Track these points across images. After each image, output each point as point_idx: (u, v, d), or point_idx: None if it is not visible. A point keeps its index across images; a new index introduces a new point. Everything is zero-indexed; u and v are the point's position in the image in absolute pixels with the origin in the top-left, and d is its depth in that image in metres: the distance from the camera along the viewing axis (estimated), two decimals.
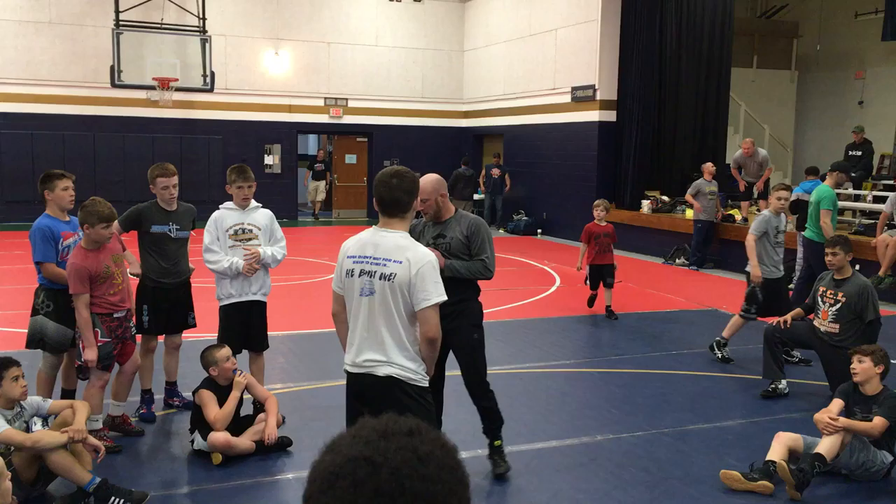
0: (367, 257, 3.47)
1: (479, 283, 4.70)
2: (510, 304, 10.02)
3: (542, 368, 7.10)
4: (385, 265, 3.41)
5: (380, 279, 3.42)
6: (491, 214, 18.79)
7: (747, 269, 7.61)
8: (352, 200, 21.05)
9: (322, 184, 20.44)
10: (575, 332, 8.73)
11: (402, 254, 3.41)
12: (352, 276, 3.50)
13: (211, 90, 17.78)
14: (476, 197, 19.62)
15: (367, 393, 3.53)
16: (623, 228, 15.59)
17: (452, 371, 4.79)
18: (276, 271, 7.17)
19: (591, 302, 9.50)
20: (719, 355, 7.50)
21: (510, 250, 14.94)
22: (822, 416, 4.77)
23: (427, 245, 4.44)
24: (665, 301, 10.47)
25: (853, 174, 14.12)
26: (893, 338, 8.15)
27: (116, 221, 5.01)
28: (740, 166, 13.53)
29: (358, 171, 21.12)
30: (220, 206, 5.50)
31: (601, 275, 9.22)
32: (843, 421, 4.69)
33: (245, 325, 5.47)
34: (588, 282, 9.39)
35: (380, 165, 20.72)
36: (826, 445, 4.64)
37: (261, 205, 5.59)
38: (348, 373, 3.59)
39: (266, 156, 19.49)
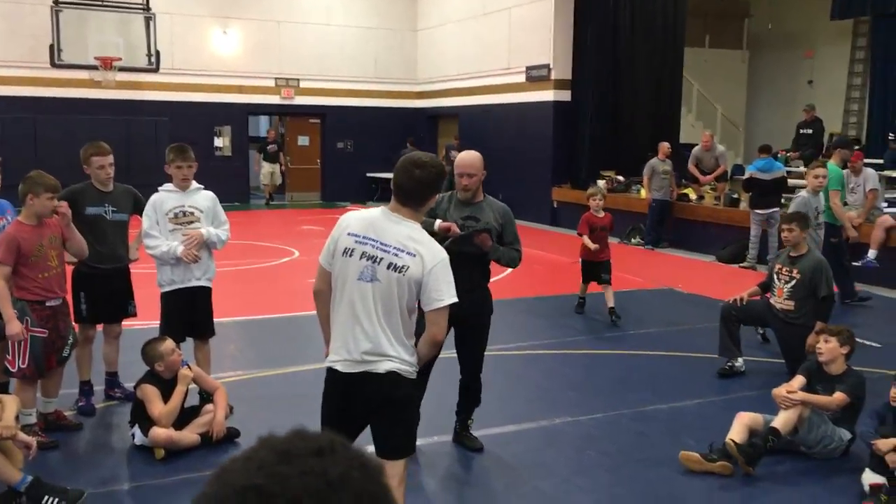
0: (372, 240, 3.18)
1: None
2: None
3: (498, 351, 6.95)
4: (397, 255, 3.14)
5: (388, 268, 3.14)
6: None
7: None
8: (305, 183, 20.68)
9: (276, 166, 19.43)
10: (531, 313, 8.63)
11: (416, 247, 3.15)
12: (350, 255, 3.19)
13: (156, 70, 17.25)
14: None
15: (360, 392, 3.22)
16: (578, 208, 15.54)
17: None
18: (225, 256, 6.90)
19: (580, 306, 8.43)
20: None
21: None
22: (780, 390, 4.73)
23: (455, 223, 4.44)
24: (621, 281, 10.40)
25: (805, 152, 14.27)
26: (846, 315, 8.22)
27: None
28: (698, 160, 13.58)
29: (311, 154, 20.75)
30: (160, 188, 5.23)
31: (595, 272, 8.19)
32: (800, 394, 4.66)
33: (189, 312, 5.23)
34: (583, 279, 8.34)
35: (333, 147, 20.40)
36: (781, 419, 4.60)
37: (203, 186, 5.34)
38: (337, 372, 3.21)
39: (216, 138, 19.02)
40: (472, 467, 4.60)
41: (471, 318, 4.43)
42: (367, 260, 3.16)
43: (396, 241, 3.16)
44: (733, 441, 4.49)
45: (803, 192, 7.47)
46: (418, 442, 4.67)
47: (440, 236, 4.22)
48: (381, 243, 3.17)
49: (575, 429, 5.18)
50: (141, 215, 5.22)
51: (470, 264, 4.37)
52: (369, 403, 3.23)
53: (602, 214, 8.31)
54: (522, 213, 17.00)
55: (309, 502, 0.71)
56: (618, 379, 6.25)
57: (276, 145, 19.54)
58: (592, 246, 8.08)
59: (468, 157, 4.59)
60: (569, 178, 16.02)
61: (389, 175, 15.92)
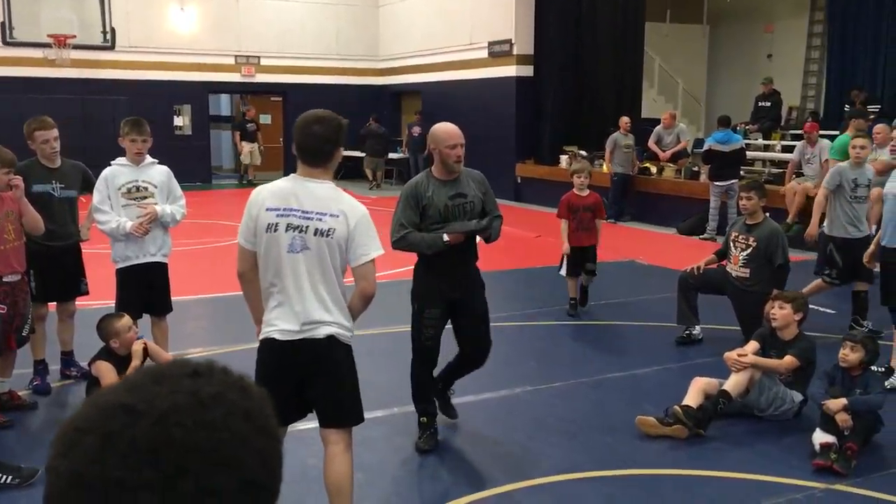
0: (293, 210, 3.15)
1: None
2: None
3: None
4: (321, 220, 3.13)
5: (315, 234, 3.13)
6: (414, 172, 18.59)
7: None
8: (268, 162, 20.44)
9: (255, 146, 19.04)
10: (492, 286, 8.62)
11: (337, 206, 3.15)
12: (274, 230, 3.15)
13: (112, 48, 16.90)
14: (394, 156, 19.37)
15: (300, 360, 3.21)
16: (541, 183, 15.61)
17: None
18: (187, 234, 6.80)
19: (573, 307, 7.32)
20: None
21: None
22: (731, 354, 4.82)
23: (445, 206, 4.22)
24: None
25: (763, 124, 14.43)
26: (801, 283, 8.36)
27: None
28: (659, 138, 13.68)
29: (273, 132, 20.51)
30: (112, 162, 5.14)
31: (581, 259, 7.20)
32: (750, 358, 4.75)
33: (145, 289, 5.15)
34: (564, 268, 7.26)
35: (236, 124, 20.16)
36: (732, 382, 4.69)
37: (157, 161, 5.24)
38: (275, 340, 3.19)
39: (175, 117, 18.72)
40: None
41: (468, 299, 4.39)
42: (294, 231, 3.14)
43: (318, 206, 3.14)
44: (682, 407, 4.57)
45: (841, 164, 6.92)
46: (379, 413, 4.72)
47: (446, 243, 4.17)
48: (303, 211, 3.14)
49: (535, 398, 5.23)
50: (91, 192, 5.12)
51: (465, 248, 4.31)
52: (309, 369, 3.21)
53: (586, 193, 7.36)
54: None
55: (176, 418, 0.68)
56: (578, 349, 6.32)
57: (255, 124, 19.12)
58: (564, 246, 7.14)
59: (455, 128, 4.33)
60: (532, 154, 16.05)
61: (353, 153, 15.76)
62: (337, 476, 3.23)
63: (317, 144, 3.16)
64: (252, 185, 18.56)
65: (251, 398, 0.74)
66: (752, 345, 4.95)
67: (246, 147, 18.97)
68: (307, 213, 3.14)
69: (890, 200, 5.65)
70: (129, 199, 5.02)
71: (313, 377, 3.22)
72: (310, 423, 4.75)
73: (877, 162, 9.37)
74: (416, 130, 18.15)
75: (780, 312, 4.92)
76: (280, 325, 3.19)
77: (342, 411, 3.27)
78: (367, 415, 4.83)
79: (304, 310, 3.16)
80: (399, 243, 4.27)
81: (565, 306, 7.47)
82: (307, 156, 3.18)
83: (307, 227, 3.13)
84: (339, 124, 3.23)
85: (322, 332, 3.17)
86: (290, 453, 4.06)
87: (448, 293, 4.31)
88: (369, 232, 3.19)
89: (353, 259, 3.19)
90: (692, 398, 4.69)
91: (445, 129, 4.32)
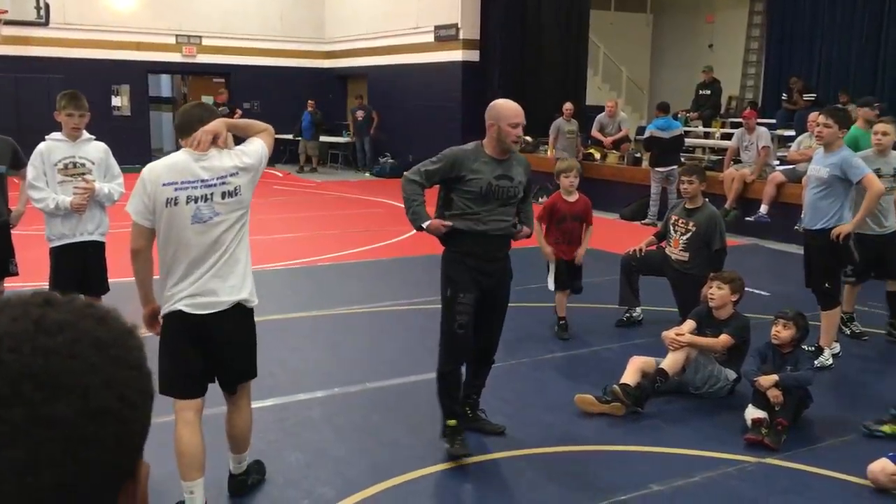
0: (191, 182, 3.19)
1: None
2: (374, 244, 9.84)
3: (405, 306, 6.99)
4: (225, 182, 3.23)
5: (224, 198, 3.22)
6: (361, 157, 18.46)
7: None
8: None
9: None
10: (439, 269, 8.65)
11: (240, 161, 3.28)
12: (175, 204, 3.18)
13: (46, 24, 16.35)
14: (340, 140, 19.20)
15: (211, 331, 3.24)
16: None
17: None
18: (125, 215, 6.64)
19: (564, 329, 6.22)
20: (847, 332, 6.35)
21: (377, 193, 14.72)
22: (668, 332, 4.91)
23: (488, 185, 3.98)
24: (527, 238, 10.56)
25: (704, 112, 14.69)
26: (737, 267, 8.55)
27: None
28: (602, 126, 13.82)
29: None
30: (47, 136, 4.96)
31: (568, 273, 6.23)
32: (687, 337, 4.85)
33: (81, 268, 5.00)
34: (551, 281, 6.20)
35: (239, 108, 19.81)
36: (669, 361, 4.78)
37: (94, 137, 5.08)
38: (184, 313, 3.20)
39: (114, 97, 18.23)
40: (371, 418, 4.60)
41: (497, 289, 4.21)
42: (198, 202, 3.19)
43: (219, 171, 3.23)
44: (620, 385, 4.64)
45: (865, 152, 6.38)
46: (320, 393, 4.68)
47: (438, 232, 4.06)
48: (203, 180, 3.20)
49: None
50: (19, 169, 4.94)
51: (500, 237, 4.16)
52: (221, 338, 3.28)
53: (574, 198, 6.36)
54: None
55: (10, 343, 0.64)
56: (520, 331, 6.34)
57: (227, 107, 18.04)
58: (546, 252, 6.19)
59: (518, 106, 4.07)
60: (478, 139, 16.04)
61: (299, 137, 15.46)
62: (246, 424, 3.55)
63: (191, 122, 3.31)
64: None
65: (108, 328, 0.69)
66: (689, 324, 5.05)
67: None
68: (207, 181, 3.21)
69: (810, 182, 5.78)
70: (66, 175, 4.85)
71: (224, 345, 3.32)
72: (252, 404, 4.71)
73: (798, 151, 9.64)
74: (360, 114, 18.03)
75: (718, 293, 5.02)
76: (188, 297, 3.22)
77: (245, 372, 3.46)
78: (307, 395, 4.87)
79: (210, 280, 3.23)
80: (406, 185, 4.19)
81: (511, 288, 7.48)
82: (184, 132, 3.32)
83: (212, 193, 3.21)
84: (212, 110, 3.52)
85: (231, 299, 3.27)
86: None
87: (482, 280, 4.09)
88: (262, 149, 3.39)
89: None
90: (630, 376, 4.76)
91: (508, 106, 4.08)
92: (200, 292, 3.22)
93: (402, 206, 4.26)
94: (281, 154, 19.69)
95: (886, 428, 4.37)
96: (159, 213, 3.20)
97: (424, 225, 4.10)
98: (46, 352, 0.64)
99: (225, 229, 3.24)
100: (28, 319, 0.66)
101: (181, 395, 3.26)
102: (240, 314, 3.30)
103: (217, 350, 3.31)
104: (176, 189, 3.18)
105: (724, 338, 4.86)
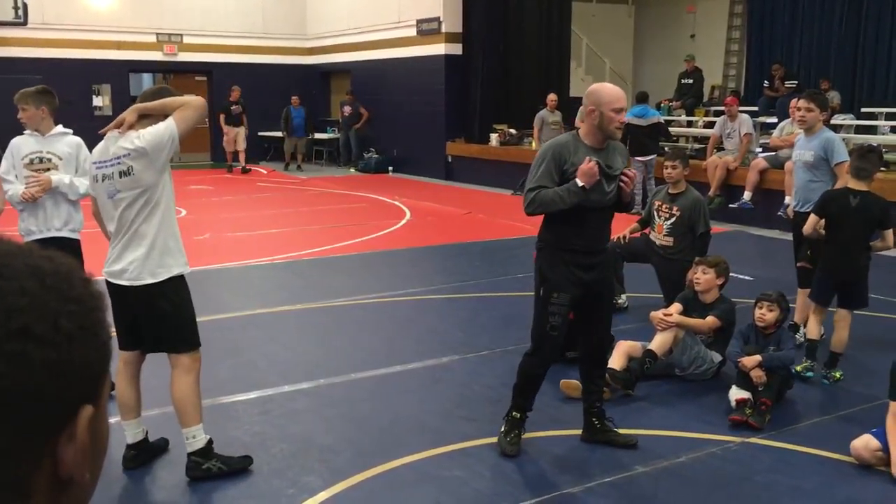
0: (103, 161, 3.54)
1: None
2: (359, 238, 9.82)
3: (389, 298, 6.97)
4: (119, 162, 3.49)
5: (120, 177, 3.49)
6: (346, 152, 18.40)
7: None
8: (193, 143, 19.93)
9: (241, 130, 17.11)
10: (424, 262, 8.66)
11: (133, 144, 3.45)
12: (98, 181, 3.58)
13: (25, 24, 16.18)
14: (323, 136, 19.14)
15: (130, 301, 3.56)
16: (472, 162, 15.64)
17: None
18: None
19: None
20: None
21: (362, 188, 14.69)
22: (657, 313, 4.92)
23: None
24: (512, 229, 10.57)
25: (686, 101, 14.72)
26: (721, 253, 8.58)
27: None
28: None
29: None
30: (25, 131, 4.90)
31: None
32: (675, 317, 4.86)
33: None
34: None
35: (221, 106, 19.69)
36: (657, 342, 4.79)
37: (70, 131, 5.01)
38: (108, 282, 3.58)
39: (95, 97, 18.10)
40: (357, 408, 4.58)
41: (601, 279, 3.91)
42: (105, 180, 3.54)
43: (115, 152, 3.49)
44: (611, 370, 4.64)
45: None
46: (306, 385, 4.65)
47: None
48: (103, 161, 3.54)
49: (461, 366, 5.24)
50: None
51: (600, 219, 3.83)
52: (133, 307, 3.58)
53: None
54: (417, 169, 17.01)
55: None
56: (506, 319, 6.35)
57: (240, 106, 17.24)
58: None
59: (620, 90, 3.82)
60: (462, 133, 16.06)
61: (281, 133, 15.30)
62: (177, 395, 3.67)
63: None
64: (245, 172, 17.06)
65: (52, 262, 0.67)
66: (676, 306, 5.06)
67: (231, 131, 17.08)
68: (106, 162, 3.53)
69: (797, 167, 5.81)
70: (31, 170, 4.78)
71: (137, 314, 3.62)
72: (235, 397, 4.69)
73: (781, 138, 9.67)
74: (347, 110, 17.97)
75: (703, 277, 5.04)
76: (111, 267, 3.58)
77: (176, 341, 3.65)
78: (292, 387, 4.84)
79: (121, 252, 3.54)
80: (530, 206, 3.77)
81: (492, 279, 7.47)
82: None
83: (112, 173, 3.51)
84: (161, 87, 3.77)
85: (131, 274, 3.51)
86: (214, 425, 3.99)
87: (582, 275, 3.80)
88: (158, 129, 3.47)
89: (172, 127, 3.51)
90: (617, 361, 4.77)
91: (611, 91, 3.80)
92: (114, 261, 3.57)
93: (531, 209, 3.83)
94: (265, 151, 19.61)
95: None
96: (94, 188, 3.66)
97: (579, 183, 3.67)
98: None
99: (126, 206, 3.51)
100: None
101: (119, 344, 3.71)
102: (143, 290, 3.53)
103: (133, 316, 3.63)
104: (97, 167, 3.58)
105: (711, 319, 4.88)
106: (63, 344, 0.64)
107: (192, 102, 3.55)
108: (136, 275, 3.52)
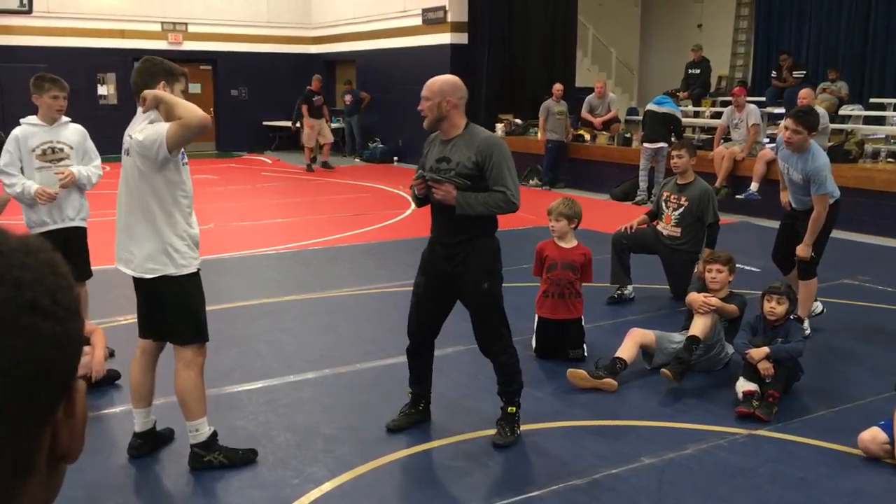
0: (128, 137, 3.56)
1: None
2: (365, 227, 9.80)
3: (394, 287, 6.95)
4: (129, 138, 3.50)
5: (126, 154, 3.53)
6: (350, 142, 18.35)
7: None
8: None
9: (324, 122, 15.87)
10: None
11: (139, 128, 3.46)
12: (123, 154, 3.60)
13: (29, 12, 16.16)
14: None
15: (138, 287, 3.63)
16: None
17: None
18: (109, 203, 6.61)
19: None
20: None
21: (366, 178, 14.66)
22: (696, 296, 4.88)
23: (429, 171, 3.75)
24: (516, 219, 10.48)
25: (693, 91, 14.64)
26: (728, 244, 8.55)
27: None
28: (591, 107, 13.77)
29: (203, 102, 19.93)
30: (22, 120, 4.88)
31: (556, 337, 5.12)
32: (716, 301, 4.83)
33: (63, 254, 4.93)
34: (534, 347, 5.19)
35: (227, 95, 19.69)
36: (699, 326, 4.75)
37: (70, 119, 5.01)
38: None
39: (100, 86, 18.08)
40: (362, 398, 4.57)
41: (462, 277, 3.83)
42: (125, 155, 3.57)
43: (129, 130, 3.52)
44: (667, 370, 4.59)
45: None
46: (311, 375, 4.65)
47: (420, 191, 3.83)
48: (127, 134, 3.54)
49: (465, 357, 5.21)
50: None
51: (456, 218, 3.75)
52: (144, 297, 3.64)
53: (572, 244, 5.31)
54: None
55: None
56: (512, 309, 6.29)
57: (322, 97, 16.00)
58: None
59: (429, 80, 3.79)
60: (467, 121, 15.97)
61: (287, 123, 15.25)
62: (179, 388, 3.66)
63: (134, 89, 3.57)
64: (328, 167, 15.96)
65: (37, 239, 0.67)
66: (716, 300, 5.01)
67: (315, 125, 15.68)
68: (128, 136, 3.53)
69: (786, 177, 5.77)
70: (45, 161, 4.78)
71: (145, 305, 3.67)
72: (241, 386, 4.68)
73: None
74: (348, 98, 17.91)
75: (719, 276, 5.02)
76: (119, 254, 3.61)
77: (172, 334, 3.65)
78: (297, 377, 4.83)
79: (127, 241, 3.54)
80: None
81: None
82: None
83: (127, 149, 3.52)
84: (151, 63, 3.60)
85: (140, 268, 3.52)
86: (219, 414, 3.98)
87: (440, 263, 3.88)
88: (157, 129, 3.40)
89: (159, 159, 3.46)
90: (626, 351, 4.74)
91: (456, 81, 3.87)
92: (121, 248, 3.60)
93: (505, 205, 3.82)
94: (270, 141, 19.58)
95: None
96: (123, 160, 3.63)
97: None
98: None
99: (124, 191, 3.54)
100: None
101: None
102: (142, 281, 3.55)
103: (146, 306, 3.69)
104: (125, 142, 3.59)
105: (733, 307, 4.90)
106: (64, 318, 0.64)
107: (192, 120, 3.32)
108: (135, 266, 3.54)
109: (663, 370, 4.59)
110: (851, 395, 4.60)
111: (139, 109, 3.52)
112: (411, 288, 4.29)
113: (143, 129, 3.42)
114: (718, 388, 4.66)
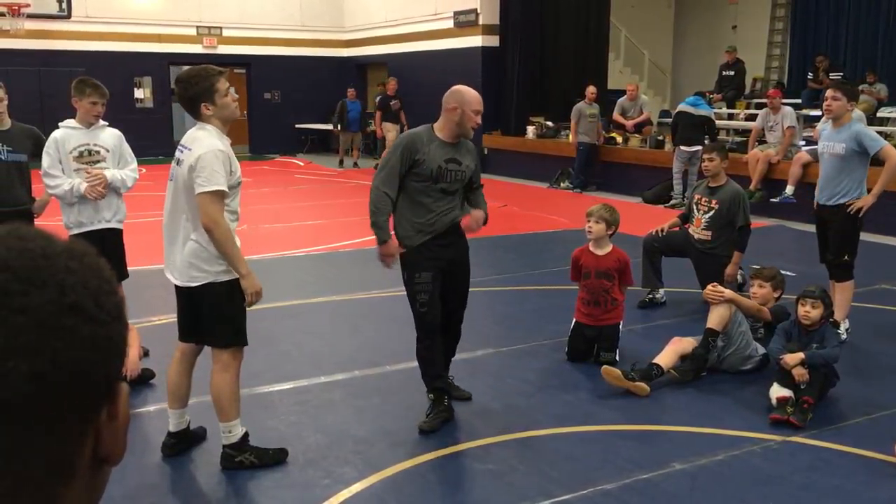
0: (181, 145, 3.65)
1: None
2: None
3: None
4: (181, 151, 3.57)
5: (177, 164, 3.58)
6: (382, 142, 18.39)
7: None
8: (232, 135, 20.03)
9: (398, 127, 15.07)
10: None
11: (192, 142, 3.52)
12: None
13: (68, 17, 16.47)
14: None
15: (180, 294, 3.70)
16: (508, 154, 15.57)
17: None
18: (142, 207, 6.69)
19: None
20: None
21: None
22: (710, 287, 4.87)
23: (438, 167, 4.02)
24: (548, 222, 10.52)
25: (727, 93, 14.47)
26: (762, 247, 8.44)
27: None
28: (623, 110, 13.69)
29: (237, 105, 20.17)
30: (60, 124, 4.98)
31: (588, 344, 5.09)
32: (728, 292, 4.79)
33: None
34: (566, 350, 5.16)
35: (260, 98, 19.88)
36: (715, 318, 4.72)
37: (107, 123, 5.09)
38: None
39: (136, 89, 18.36)
40: (391, 400, 4.58)
41: (460, 256, 4.24)
42: (175, 163, 3.63)
43: (183, 141, 3.61)
44: (672, 370, 4.57)
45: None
46: (340, 376, 4.68)
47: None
48: (181, 146, 3.61)
49: (496, 359, 5.22)
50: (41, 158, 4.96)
51: (448, 203, 4.14)
52: (180, 301, 3.74)
53: (606, 251, 5.18)
54: None
55: None
56: (541, 313, 6.31)
57: (398, 101, 15.58)
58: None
59: (476, 93, 4.17)
60: (498, 125, 15.98)
61: (319, 126, 15.34)
62: (213, 389, 3.71)
63: (181, 103, 3.64)
64: (357, 167, 16.08)
65: (80, 244, 0.68)
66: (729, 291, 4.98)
67: (392, 129, 15.13)
68: (179, 147, 3.62)
69: (824, 159, 5.68)
70: (82, 163, 4.86)
71: (186, 307, 3.73)
72: (272, 387, 4.72)
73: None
74: (395, 104, 17.90)
75: (760, 291, 4.96)
76: (166, 258, 3.70)
77: (211, 337, 3.70)
78: (327, 378, 4.86)
79: (170, 246, 3.64)
80: (372, 193, 4.15)
81: (529, 272, 7.43)
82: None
83: (177, 158, 3.60)
84: (193, 73, 3.58)
85: (181, 275, 3.60)
86: (251, 415, 4.02)
87: (440, 254, 4.12)
88: (213, 167, 3.42)
89: (195, 188, 3.46)
90: (665, 358, 4.71)
91: (475, 94, 4.17)
92: (167, 253, 3.70)
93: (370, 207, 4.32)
94: (302, 143, 19.72)
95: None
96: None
97: (378, 249, 4.27)
98: (21, 251, 0.64)
99: (171, 199, 3.64)
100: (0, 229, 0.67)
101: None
102: (201, 293, 3.60)
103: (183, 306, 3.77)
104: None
105: (765, 310, 4.84)
106: (106, 321, 0.66)
107: (221, 248, 3.51)
108: (179, 274, 3.62)
109: (670, 371, 4.56)
110: (889, 402, 4.51)
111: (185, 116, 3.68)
112: None
113: (197, 158, 3.43)
114: (752, 394, 4.60)
